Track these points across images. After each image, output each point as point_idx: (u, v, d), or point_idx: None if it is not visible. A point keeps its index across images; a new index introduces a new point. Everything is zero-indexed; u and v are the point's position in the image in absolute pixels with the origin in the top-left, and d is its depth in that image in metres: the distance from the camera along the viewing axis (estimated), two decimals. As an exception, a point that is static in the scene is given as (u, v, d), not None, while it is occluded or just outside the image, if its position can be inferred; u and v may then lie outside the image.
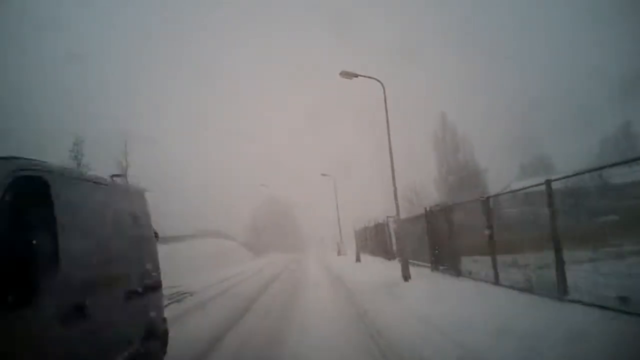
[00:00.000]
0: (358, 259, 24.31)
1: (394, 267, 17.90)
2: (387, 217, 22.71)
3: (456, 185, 50.39)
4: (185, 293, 15.60)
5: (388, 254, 22.46)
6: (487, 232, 9.63)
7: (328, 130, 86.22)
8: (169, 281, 20.69)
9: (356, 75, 13.50)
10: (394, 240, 22.05)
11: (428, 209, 14.84)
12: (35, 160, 3.93)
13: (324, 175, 35.39)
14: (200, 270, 25.95)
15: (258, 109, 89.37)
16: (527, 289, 8.15)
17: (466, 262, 11.83)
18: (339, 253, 34.41)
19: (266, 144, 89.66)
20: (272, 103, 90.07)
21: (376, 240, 26.85)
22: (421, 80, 68.23)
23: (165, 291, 17.38)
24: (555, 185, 7.12)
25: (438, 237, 13.81)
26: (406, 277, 12.76)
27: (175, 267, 26.76)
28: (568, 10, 56.45)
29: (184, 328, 9.04)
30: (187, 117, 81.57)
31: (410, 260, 18.01)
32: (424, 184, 53.94)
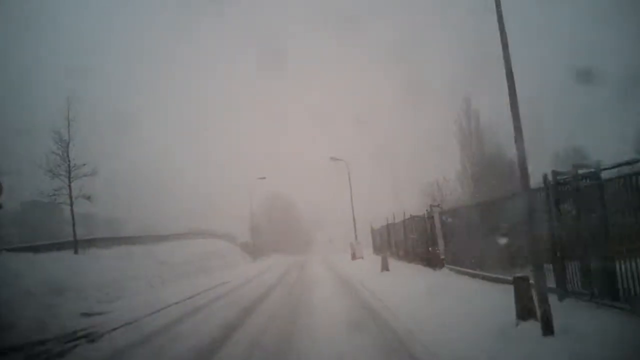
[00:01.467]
0: (385, 267, 17.04)
1: (453, 284, 10.73)
2: (431, 205, 15.49)
3: (484, 178, 43.64)
4: (89, 335, 8.48)
5: (430, 261, 15.28)
6: None
7: (331, 127, 79.84)
8: (100, 299, 13.49)
9: None
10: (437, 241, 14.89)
11: (551, 178, 7.59)
12: None
13: (334, 159, 28.20)
14: (166, 281, 18.87)
15: (259, 104, 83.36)
16: None
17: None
18: (353, 257, 27.17)
19: (268, 141, 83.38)
20: (272, 97, 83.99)
21: (407, 241, 19.64)
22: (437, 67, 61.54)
23: (67, 324, 7.46)
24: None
25: (581, 233, 6.62)
26: (547, 323, 5.38)
27: (138, 274, 19.78)
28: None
29: None
30: (186, 116, 76.53)
31: (476, 272, 10.90)
32: (446, 177, 47.26)
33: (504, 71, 5.93)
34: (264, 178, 41.81)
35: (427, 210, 15.25)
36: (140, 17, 69.19)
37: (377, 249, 31.42)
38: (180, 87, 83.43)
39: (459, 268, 13.20)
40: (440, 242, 14.92)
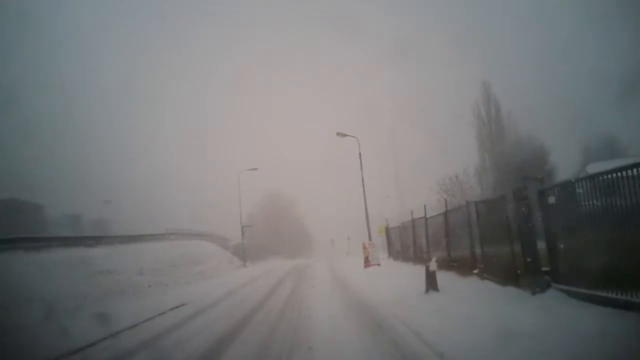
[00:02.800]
0: (432, 285, 10.36)
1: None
2: (526, 178, 8.81)
3: (508, 168, 37.33)
4: None
5: (516, 275, 8.72)
6: None
7: (330, 126, 75.48)
8: None
9: None
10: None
11: None
12: None
13: (341, 135, 21.51)
14: (85, 305, 12.26)
15: (258, 103, 78.54)
16: None
17: None
18: (367, 262, 20.52)
19: (267, 141, 78.05)
20: (272, 96, 78.98)
21: (454, 244, 13.04)
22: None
23: None
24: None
25: None
26: None
27: (43, 294, 13.12)
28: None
29: None
30: (183, 115, 74.65)
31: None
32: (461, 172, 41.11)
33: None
34: (256, 169, 35.76)
35: (514, 190, 8.59)
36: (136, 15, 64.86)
37: (393, 253, 24.85)
38: (179, 87, 79.13)
39: (594, 293, 6.67)
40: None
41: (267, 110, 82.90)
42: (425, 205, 16.60)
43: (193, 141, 70.91)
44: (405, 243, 21.26)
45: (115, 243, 26.64)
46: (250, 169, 35.50)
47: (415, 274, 14.80)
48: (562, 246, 7.84)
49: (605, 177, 6.51)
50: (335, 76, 79.03)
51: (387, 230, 26.07)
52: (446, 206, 13.77)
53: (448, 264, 13.56)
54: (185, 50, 77.31)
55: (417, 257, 18.54)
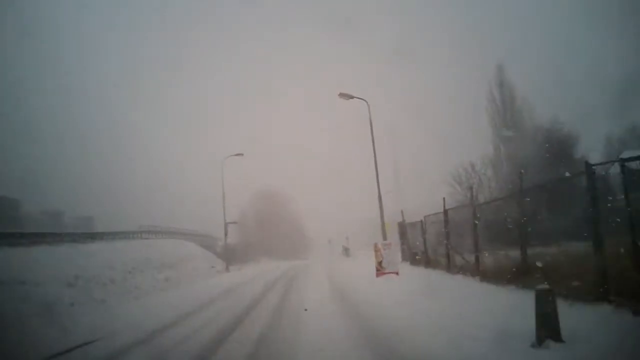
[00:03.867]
0: (551, 331, 5.14)
1: None
2: None
3: (526, 159, 32.58)
4: None
5: None
6: None
7: (330, 122, 71.99)
8: None
9: None
10: None
11: None
12: None
13: (345, 97, 16.09)
14: None
15: (258, 99, 74.85)
16: None
17: None
18: (380, 269, 15.21)
19: (264, 139, 74.27)
20: (269, 91, 75.28)
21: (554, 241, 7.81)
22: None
23: None
24: None
25: None
26: None
27: None
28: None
29: None
30: (181, 112, 73.36)
31: None
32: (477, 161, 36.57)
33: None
34: (241, 154, 30.92)
35: None
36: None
37: (410, 257, 19.60)
38: (178, 85, 75.73)
39: None
40: None
41: (267, 109, 79.28)
42: (472, 188, 11.38)
43: (193, 139, 67.52)
44: (432, 243, 16.04)
45: (63, 242, 21.40)
46: (236, 154, 30.76)
47: (460, 290, 9.63)
48: None
49: None
50: (335, 75, 75.87)
51: (403, 226, 20.79)
52: (521, 182, 8.56)
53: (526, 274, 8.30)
54: (185, 50, 74.10)
55: (453, 263, 13.35)
